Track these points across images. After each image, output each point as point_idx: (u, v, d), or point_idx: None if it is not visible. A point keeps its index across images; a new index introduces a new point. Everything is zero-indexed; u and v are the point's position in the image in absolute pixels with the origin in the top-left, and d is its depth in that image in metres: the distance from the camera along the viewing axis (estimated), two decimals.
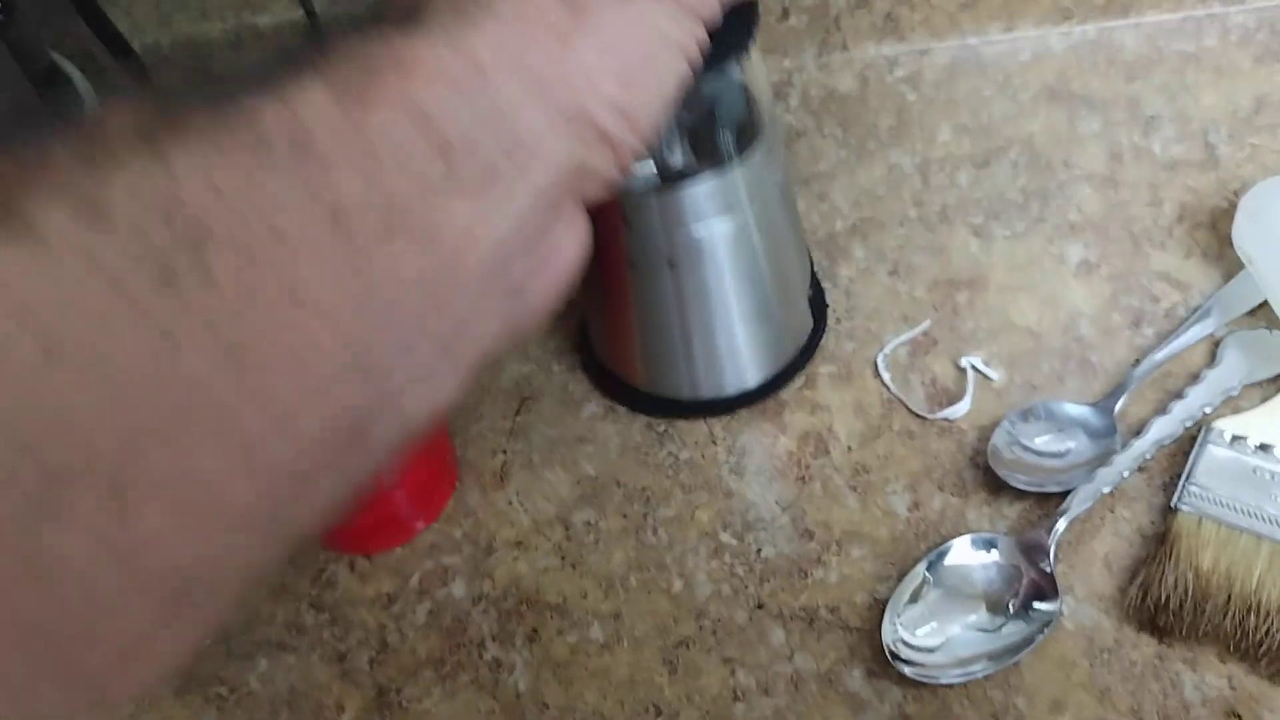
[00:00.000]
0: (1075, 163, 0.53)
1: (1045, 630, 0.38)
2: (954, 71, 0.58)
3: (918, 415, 0.46)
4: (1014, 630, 0.38)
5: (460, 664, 0.43)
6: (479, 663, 0.42)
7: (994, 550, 0.40)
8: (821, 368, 0.48)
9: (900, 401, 0.46)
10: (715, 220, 0.41)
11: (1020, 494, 0.42)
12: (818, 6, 0.58)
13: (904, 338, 0.48)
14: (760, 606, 0.42)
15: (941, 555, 0.40)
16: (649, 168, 0.40)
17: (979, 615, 0.38)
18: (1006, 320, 0.48)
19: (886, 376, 0.47)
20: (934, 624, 0.38)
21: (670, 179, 0.40)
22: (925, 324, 0.48)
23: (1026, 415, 0.44)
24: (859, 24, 0.59)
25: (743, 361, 0.46)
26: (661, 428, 0.48)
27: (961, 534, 0.41)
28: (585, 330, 0.51)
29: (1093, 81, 0.56)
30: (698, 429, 0.47)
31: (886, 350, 0.48)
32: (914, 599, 0.39)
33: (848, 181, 0.55)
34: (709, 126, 0.41)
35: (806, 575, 0.42)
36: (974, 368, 0.46)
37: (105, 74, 0.62)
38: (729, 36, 0.30)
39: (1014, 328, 0.48)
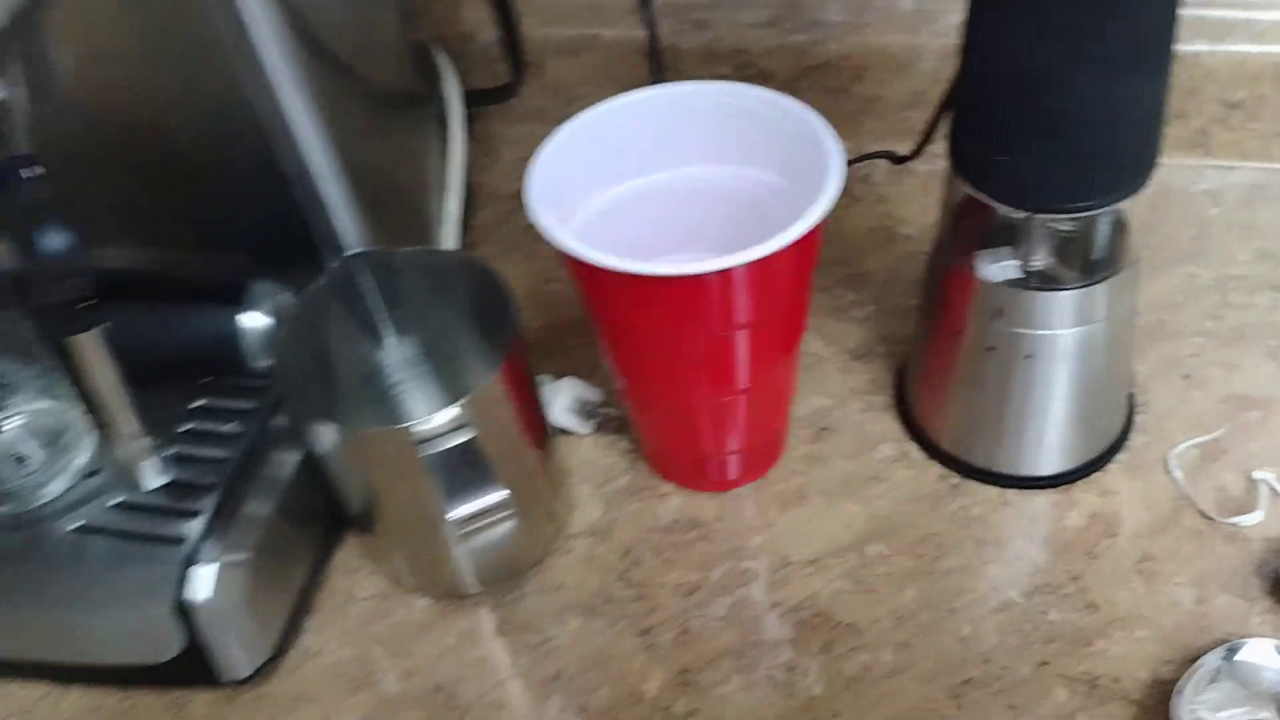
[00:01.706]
0: None
1: None
2: (1258, 194, 0.61)
3: (1206, 516, 0.49)
4: None
5: (758, 660, 0.47)
6: (775, 663, 0.47)
7: None
8: (1114, 455, 0.52)
9: (1190, 501, 0.50)
10: (1076, 325, 0.45)
11: None
12: None
13: (1195, 441, 0.51)
14: (1044, 664, 0.45)
15: (1234, 650, 0.43)
16: (1016, 270, 0.45)
17: (1270, 714, 0.41)
18: None
19: (1177, 475, 0.50)
20: (1230, 712, 0.41)
21: (1044, 283, 0.45)
22: (1217, 433, 0.52)
23: None
24: (1172, 134, 0.62)
25: (1054, 449, 0.50)
26: (954, 481, 0.52)
27: (1243, 636, 0.44)
28: (902, 382, 0.55)
29: None
30: (989, 490, 0.51)
31: (1178, 450, 0.51)
32: (1207, 685, 0.42)
33: (1145, 284, 0.58)
34: (1085, 242, 0.45)
35: (1090, 644, 0.46)
36: (1268, 485, 0.49)
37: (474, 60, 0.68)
38: None
39: None
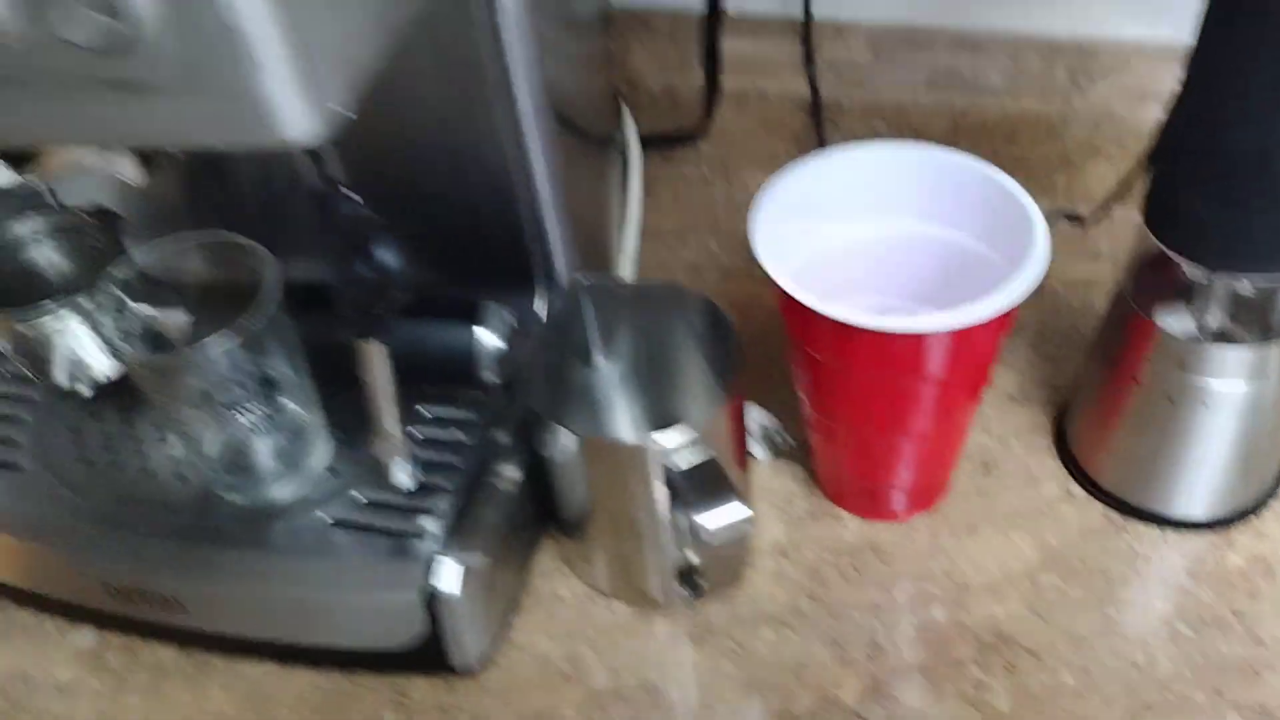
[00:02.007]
0: None
1: None
2: None
3: None
4: None
5: (947, 676, 0.51)
6: (963, 679, 0.51)
7: None
8: (1268, 502, 0.56)
9: None
10: (1252, 380, 0.49)
11: None
12: None
13: None
14: (1219, 693, 0.49)
15: None
16: (1197, 325, 0.49)
17: None
18: None
19: None
20: None
21: (1223, 338, 0.49)
22: None
23: None
24: None
25: (1215, 494, 0.54)
26: (1116, 519, 0.56)
27: None
28: (1062, 424, 0.59)
29: None
30: (1150, 529, 0.55)
31: None
32: None
33: None
34: (1266, 302, 0.49)
35: (1259, 675, 0.50)
36: None
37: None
38: None
39: None
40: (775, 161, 0.76)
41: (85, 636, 0.55)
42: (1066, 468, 0.58)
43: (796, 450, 0.59)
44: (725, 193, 0.77)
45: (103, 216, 0.55)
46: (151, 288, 0.49)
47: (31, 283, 0.56)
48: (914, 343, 0.46)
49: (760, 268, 0.47)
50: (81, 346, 0.54)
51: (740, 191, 0.77)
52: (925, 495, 0.57)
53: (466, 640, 0.50)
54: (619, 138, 0.70)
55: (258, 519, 0.51)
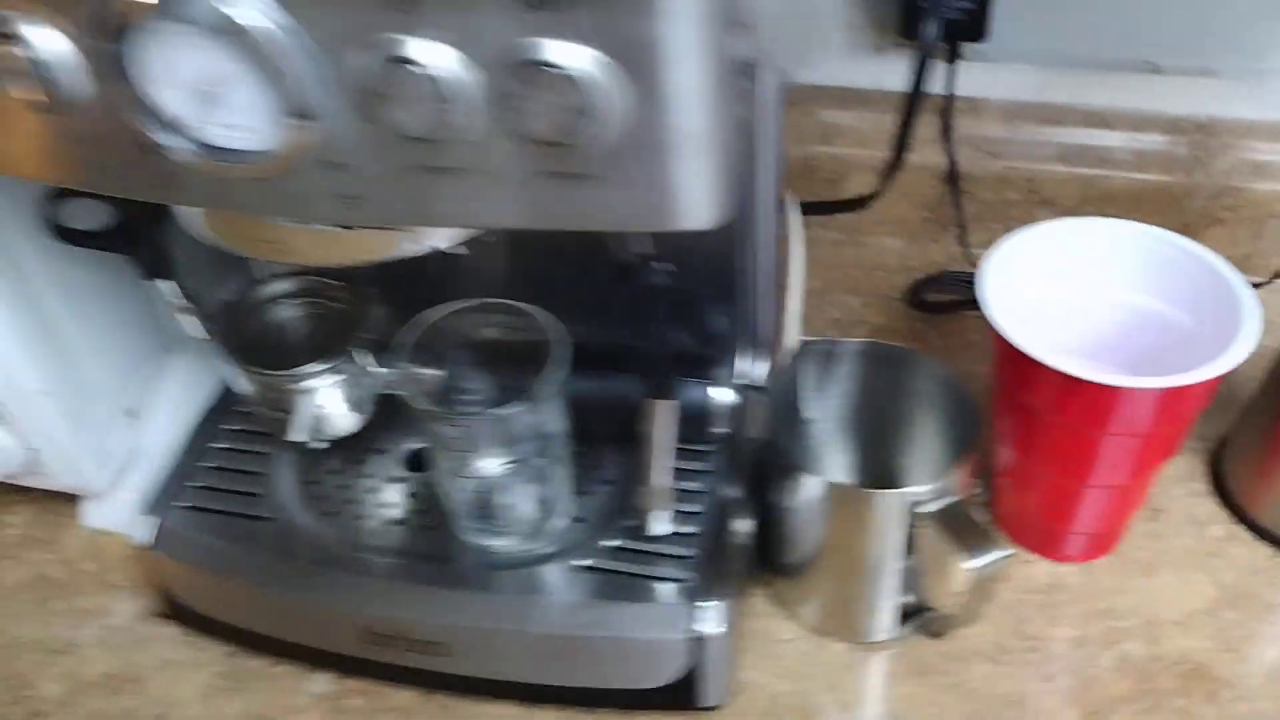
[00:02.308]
0: None
1: None
2: None
3: None
4: None
5: (1155, 706, 0.55)
6: (1168, 707, 0.55)
7: None
8: None
9: None
10: None
11: None
12: None
13: None
14: None
15: None
16: None
17: None
18: None
19: None
20: None
21: None
22: None
23: None
24: None
25: None
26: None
27: None
28: (1219, 470, 0.64)
29: None
30: None
31: None
32: None
33: None
34: None
35: None
36: None
37: None
38: None
39: None
40: (905, 226, 0.82)
41: (323, 682, 0.58)
42: (1228, 510, 0.63)
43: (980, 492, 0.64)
44: (856, 255, 0.82)
45: (348, 282, 0.58)
46: (413, 349, 0.52)
47: (280, 342, 0.59)
48: (1132, 398, 0.51)
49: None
50: (328, 404, 0.57)
51: (874, 254, 0.82)
52: (1104, 541, 0.62)
53: (716, 678, 0.53)
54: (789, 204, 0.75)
55: (516, 564, 0.54)
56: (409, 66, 0.32)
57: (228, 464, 0.61)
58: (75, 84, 0.36)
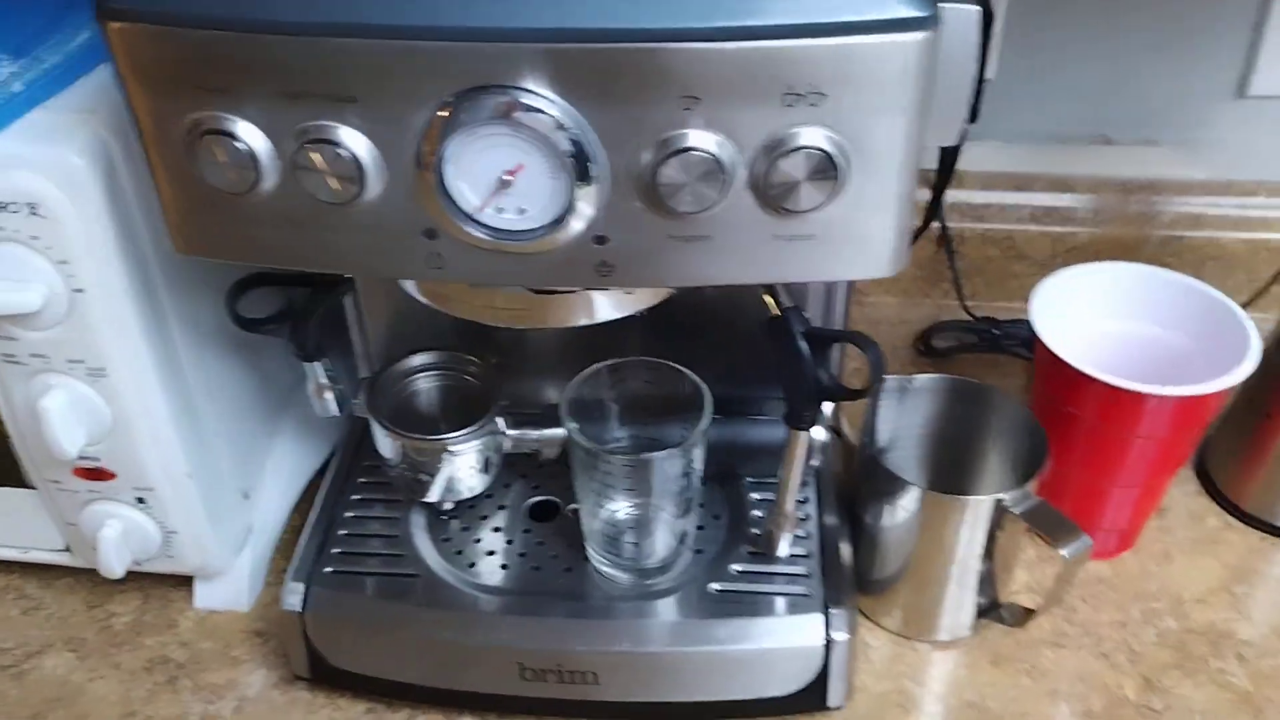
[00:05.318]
0: None
1: None
2: None
3: None
4: None
5: (1196, 668, 0.65)
6: (1209, 669, 0.65)
7: None
8: None
9: None
10: None
11: None
12: None
13: None
14: None
15: None
16: None
17: None
18: None
19: None
20: None
21: None
22: None
23: None
24: None
25: None
26: (1272, 540, 0.72)
27: None
28: (1206, 469, 0.76)
29: None
30: None
31: None
32: None
33: None
34: None
35: None
36: None
37: None
38: None
39: None
40: (899, 284, 0.93)
41: None
42: (1218, 504, 0.75)
43: None
44: (861, 313, 0.92)
45: (481, 356, 0.64)
46: (569, 404, 0.59)
47: (419, 410, 0.64)
48: (1161, 405, 0.62)
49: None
50: (465, 466, 0.63)
51: (875, 311, 0.92)
52: (1127, 538, 0.72)
53: (842, 680, 0.61)
54: None
55: (655, 594, 0.61)
56: (692, 153, 0.40)
57: (358, 530, 0.65)
58: (376, 180, 0.42)
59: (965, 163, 0.86)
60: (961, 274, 0.89)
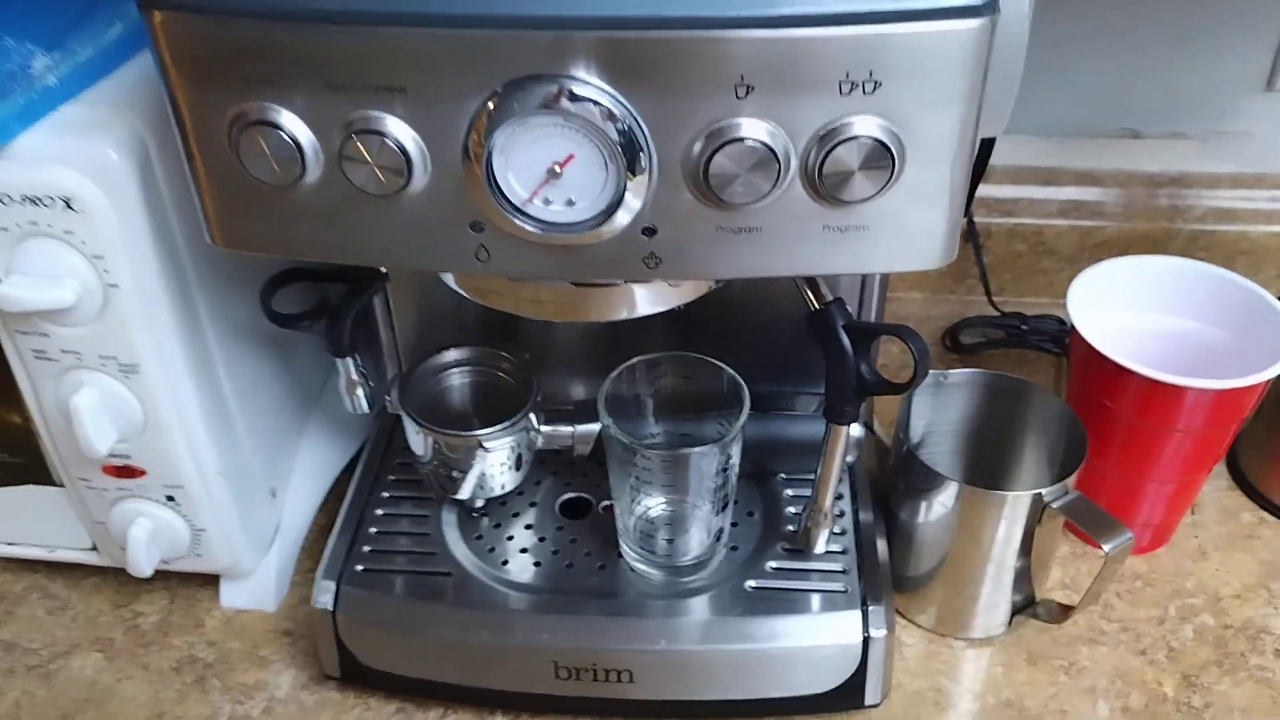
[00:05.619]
0: None
1: None
2: None
3: None
4: None
5: (1235, 665, 0.64)
6: (1248, 665, 0.64)
7: None
8: None
9: None
10: None
11: None
12: None
13: None
14: None
15: None
16: None
17: None
18: None
19: None
20: None
21: None
22: None
23: None
24: None
25: None
26: None
27: None
28: (1236, 467, 0.75)
29: None
30: None
31: None
32: None
33: None
34: None
35: None
36: None
37: None
38: None
39: None
40: (925, 280, 0.92)
41: None
42: (1251, 500, 0.74)
43: None
44: (888, 309, 0.91)
45: (513, 352, 0.64)
46: (607, 400, 0.59)
47: (452, 406, 0.64)
48: (1201, 398, 0.61)
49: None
50: (498, 463, 0.62)
51: (902, 306, 0.92)
52: (1161, 534, 0.71)
53: (878, 678, 0.60)
54: None
55: (691, 591, 0.60)
56: (744, 143, 0.39)
57: (389, 528, 0.65)
58: (423, 171, 0.42)
59: (992, 157, 0.87)
60: (989, 269, 0.88)
